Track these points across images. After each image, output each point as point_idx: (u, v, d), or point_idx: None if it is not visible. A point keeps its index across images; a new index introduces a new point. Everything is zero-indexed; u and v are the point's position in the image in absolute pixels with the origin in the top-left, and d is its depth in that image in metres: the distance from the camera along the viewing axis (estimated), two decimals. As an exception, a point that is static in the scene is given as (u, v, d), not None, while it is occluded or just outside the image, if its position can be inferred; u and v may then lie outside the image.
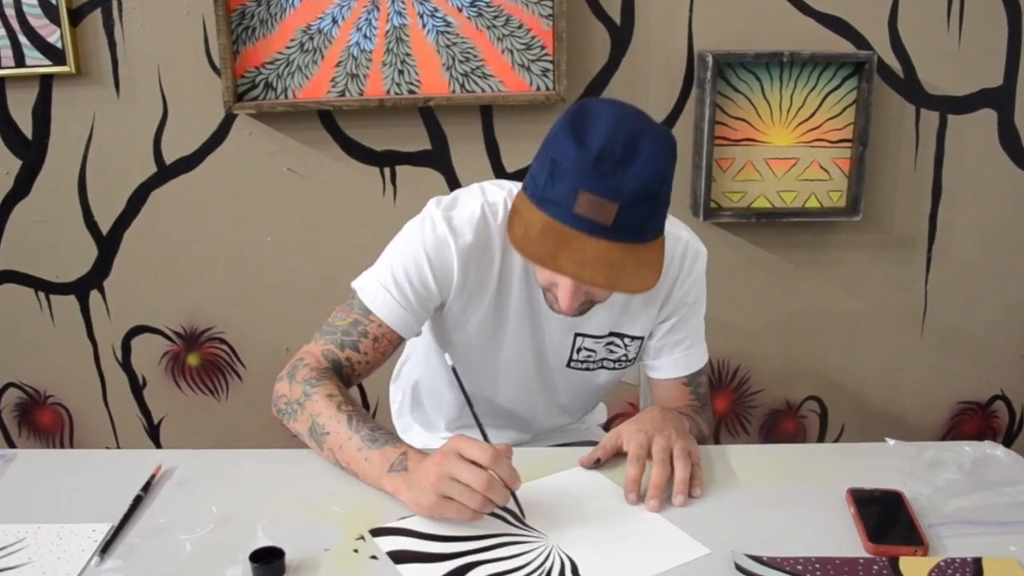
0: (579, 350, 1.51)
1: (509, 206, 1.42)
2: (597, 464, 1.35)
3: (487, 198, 1.42)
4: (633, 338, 1.52)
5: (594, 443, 1.47)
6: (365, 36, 2.20)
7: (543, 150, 1.24)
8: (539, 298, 1.45)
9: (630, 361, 1.56)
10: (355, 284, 1.45)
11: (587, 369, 1.54)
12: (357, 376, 1.43)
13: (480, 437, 1.24)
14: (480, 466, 1.15)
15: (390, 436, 1.28)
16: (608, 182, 1.17)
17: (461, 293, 1.43)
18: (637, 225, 1.21)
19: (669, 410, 1.43)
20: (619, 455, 1.34)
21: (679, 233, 1.48)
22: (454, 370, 1.31)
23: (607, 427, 1.83)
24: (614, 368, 1.56)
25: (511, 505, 1.20)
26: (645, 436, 1.30)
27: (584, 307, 1.35)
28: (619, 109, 1.24)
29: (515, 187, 1.42)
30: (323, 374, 1.37)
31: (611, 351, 1.53)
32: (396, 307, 1.40)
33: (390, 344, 1.43)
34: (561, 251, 1.20)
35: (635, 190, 1.18)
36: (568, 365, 1.54)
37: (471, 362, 1.52)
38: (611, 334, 1.51)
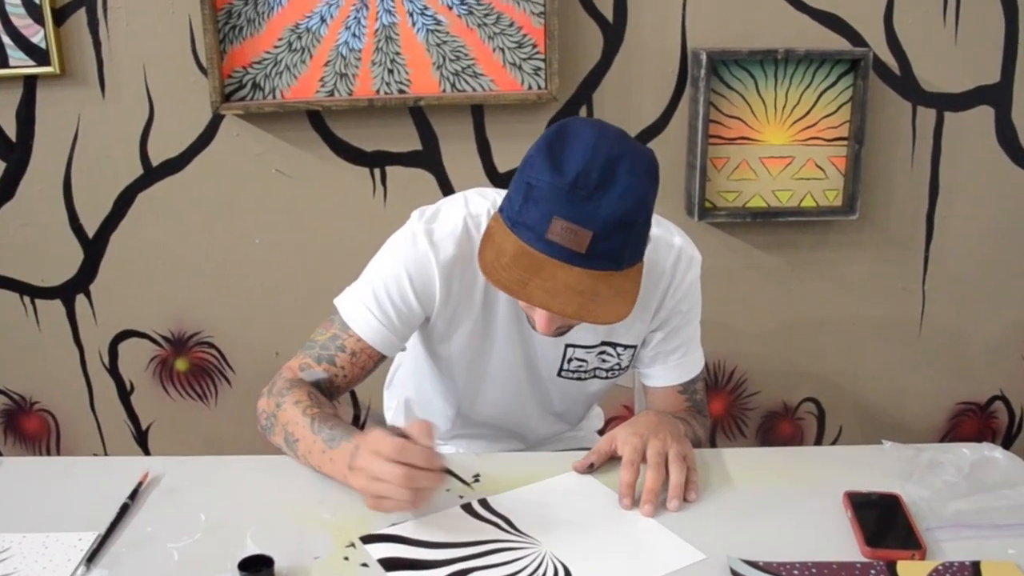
0: (570, 360, 1.51)
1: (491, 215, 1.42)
2: (591, 469, 1.35)
3: (470, 210, 1.42)
4: (626, 347, 1.52)
5: (590, 449, 1.47)
6: (354, 35, 2.20)
7: (520, 172, 1.23)
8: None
9: (623, 369, 1.56)
10: (337, 301, 1.45)
11: (579, 379, 1.54)
12: (336, 389, 1.43)
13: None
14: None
15: (345, 431, 1.27)
16: (583, 208, 1.16)
17: (445, 308, 1.43)
18: (613, 253, 1.19)
19: (664, 414, 1.43)
20: (614, 459, 1.34)
21: (672, 240, 1.47)
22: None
23: (603, 432, 1.83)
24: (607, 377, 1.56)
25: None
26: (640, 440, 1.30)
27: (562, 330, 1.35)
28: (598, 131, 1.23)
29: (499, 196, 1.40)
30: (294, 384, 1.38)
31: (603, 360, 1.52)
32: (376, 325, 1.40)
33: (369, 360, 1.43)
34: (532, 279, 1.18)
35: (610, 217, 1.17)
36: (559, 374, 1.53)
37: (461, 373, 1.53)
38: (603, 343, 1.50)
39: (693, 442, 1.41)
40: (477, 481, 1.31)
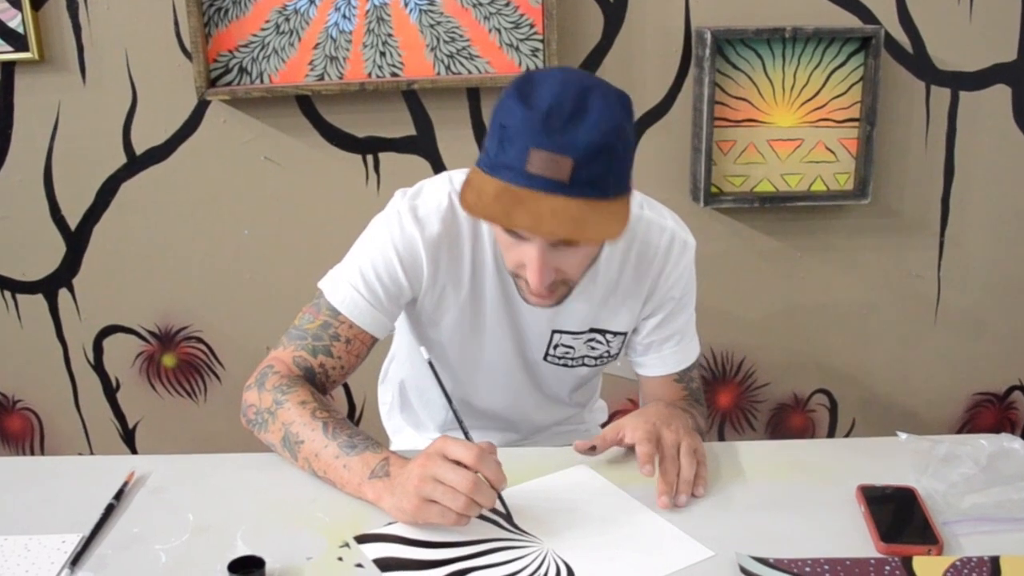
0: (556, 346, 1.51)
1: None
2: (592, 451, 1.34)
3: (454, 186, 1.43)
4: (616, 334, 1.52)
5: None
6: (344, 16, 2.20)
7: (491, 123, 1.24)
8: (513, 291, 1.45)
9: (612, 357, 1.56)
10: (321, 284, 1.45)
11: (565, 365, 1.54)
12: (332, 382, 1.44)
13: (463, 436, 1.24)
14: (465, 467, 1.15)
15: (370, 441, 1.28)
16: (560, 138, 1.16)
17: (433, 287, 1.44)
18: (597, 180, 1.19)
19: (673, 406, 1.43)
20: (616, 454, 1.35)
21: (664, 222, 1.47)
22: (431, 364, 1.32)
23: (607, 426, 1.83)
24: (595, 365, 1.56)
25: (498, 506, 1.20)
26: (652, 427, 1.31)
27: (557, 291, 1.34)
28: (565, 71, 1.25)
29: None
30: (294, 381, 1.37)
31: (592, 348, 1.53)
32: (366, 306, 1.41)
33: (363, 346, 1.43)
34: (515, 209, 1.18)
35: (589, 143, 1.17)
36: (545, 359, 1.54)
37: (453, 360, 1.53)
38: (591, 330, 1.50)
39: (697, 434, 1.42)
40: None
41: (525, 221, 1.18)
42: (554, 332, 1.49)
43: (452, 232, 1.41)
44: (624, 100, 1.24)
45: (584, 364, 1.55)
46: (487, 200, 1.19)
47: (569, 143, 1.16)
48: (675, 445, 1.29)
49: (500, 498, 1.19)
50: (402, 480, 1.19)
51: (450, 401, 1.31)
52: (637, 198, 1.44)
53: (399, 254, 1.40)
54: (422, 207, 1.41)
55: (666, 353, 1.54)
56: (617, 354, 1.56)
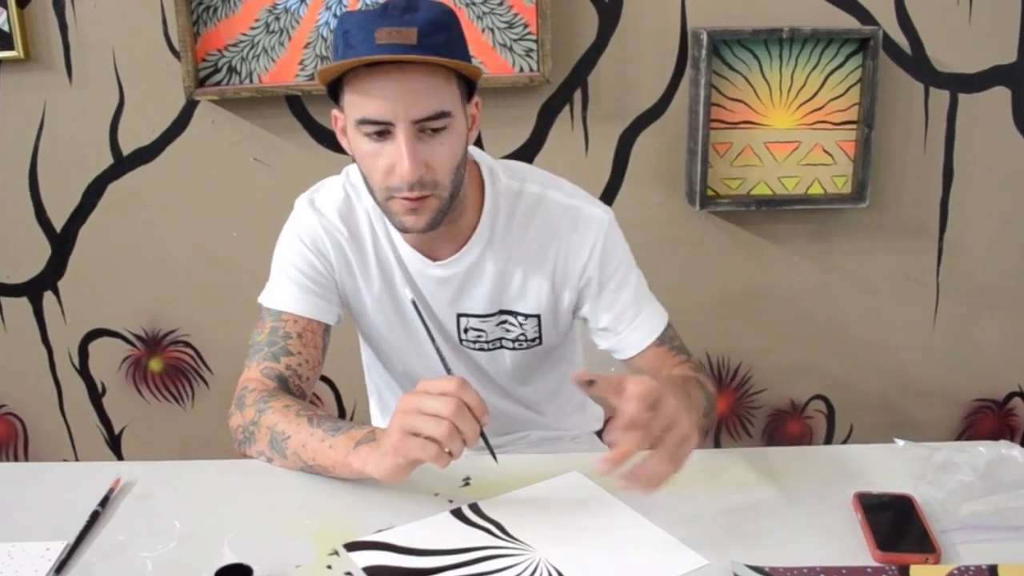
0: (466, 330, 1.54)
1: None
2: (589, 385, 1.18)
3: (350, 179, 1.53)
4: (527, 316, 1.52)
5: (583, 451, 1.46)
6: (335, 15, 2.20)
7: (333, 43, 1.34)
8: (415, 279, 1.50)
9: (532, 341, 1.55)
10: (260, 299, 1.52)
11: (483, 349, 1.56)
12: (306, 380, 1.46)
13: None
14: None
15: (355, 424, 1.29)
16: (401, 18, 1.26)
17: (346, 274, 1.51)
18: (442, 45, 1.27)
19: (688, 380, 1.42)
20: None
21: (568, 201, 1.49)
22: (414, 303, 1.39)
23: (601, 434, 1.83)
24: (516, 348, 1.56)
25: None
26: (656, 389, 1.14)
27: (428, 204, 1.34)
28: None
29: None
30: (272, 392, 1.40)
31: (506, 330, 1.54)
32: (299, 294, 1.48)
33: (316, 335, 1.48)
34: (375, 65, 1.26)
35: (427, 19, 1.27)
36: (461, 344, 1.56)
37: (393, 352, 1.59)
38: (501, 311, 1.52)
39: (708, 405, 1.42)
40: (467, 485, 1.31)
41: (388, 56, 1.24)
42: (460, 316, 1.53)
43: (350, 224, 1.50)
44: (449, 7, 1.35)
45: (503, 347, 1.56)
46: (342, 64, 1.27)
47: (410, 21, 1.26)
48: (669, 418, 1.14)
49: (484, 436, 1.19)
50: (387, 434, 1.19)
51: (432, 339, 1.34)
52: (539, 177, 1.51)
53: (303, 242, 1.50)
54: (319, 199, 1.52)
55: (629, 331, 1.52)
56: (536, 338, 1.55)
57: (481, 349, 1.56)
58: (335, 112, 1.40)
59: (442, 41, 1.27)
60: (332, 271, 1.51)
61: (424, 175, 1.31)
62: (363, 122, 1.30)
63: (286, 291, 1.49)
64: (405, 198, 1.32)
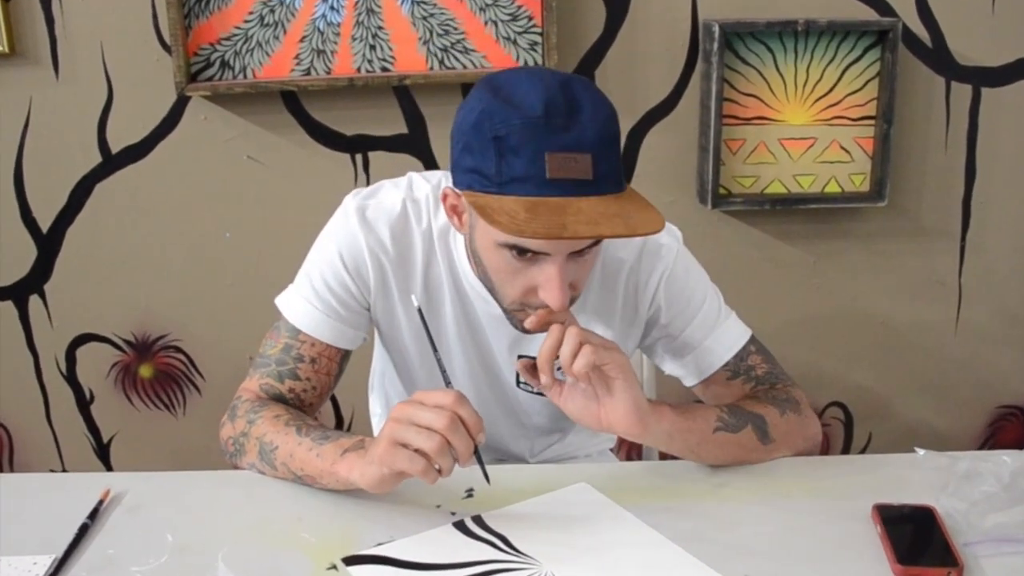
0: None
1: (433, 201, 1.40)
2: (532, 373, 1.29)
3: (412, 192, 1.42)
4: None
5: (589, 462, 1.45)
6: (332, 8, 2.20)
7: (469, 139, 1.19)
8: (475, 312, 1.43)
9: None
10: (278, 301, 1.45)
11: (540, 394, 1.44)
12: (309, 406, 1.43)
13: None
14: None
15: (345, 434, 1.28)
16: (568, 136, 1.14)
17: (382, 297, 1.42)
18: (614, 173, 1.17)
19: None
20: (618, 472, 1.34)
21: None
22: (420, 311, 1.29)
23: (615, 450, 1.82)
24: None
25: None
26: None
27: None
28: (527, 69, 1.25)
29: (446, 177, 1.38)
30: (265, 403, 1.39)
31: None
32: (324, 319, 1.40)
33: (332, 362, 1.43)
34: (558, 219, 1.12)
35: (597, 135, 1.15)
36: (518, 386, 1.50)
37: (419, 379, 1.51)
38: None
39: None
40: (470, 497, 1.31)
41: (584, 229, 1.13)
42: (520, 357, 1.46)
43: (401, 244, 1.40)
44: (592, 82, 1.25)
45: None
46: (522, 219, 1.13)
47: (580, 139, 1.15)
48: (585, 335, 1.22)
49: (478, 454, 1.18)
50: (375, 442, 1.18)
51: (435, 349, 1.29)
52: None
53: (342, 257, 1.39)
54: (371, 208, 1.40)
55: (688, 360, 1.48)
56: None
57: (540, 394, 1.44)
58: (447, 190, 1.28)
59: (613, 164, 1.17)
60: (367, 295, 1.42)
61: (570, 294, 1.26)
62: (512, 247, 1.21)
63: (309, 311, 1.40)
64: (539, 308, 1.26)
